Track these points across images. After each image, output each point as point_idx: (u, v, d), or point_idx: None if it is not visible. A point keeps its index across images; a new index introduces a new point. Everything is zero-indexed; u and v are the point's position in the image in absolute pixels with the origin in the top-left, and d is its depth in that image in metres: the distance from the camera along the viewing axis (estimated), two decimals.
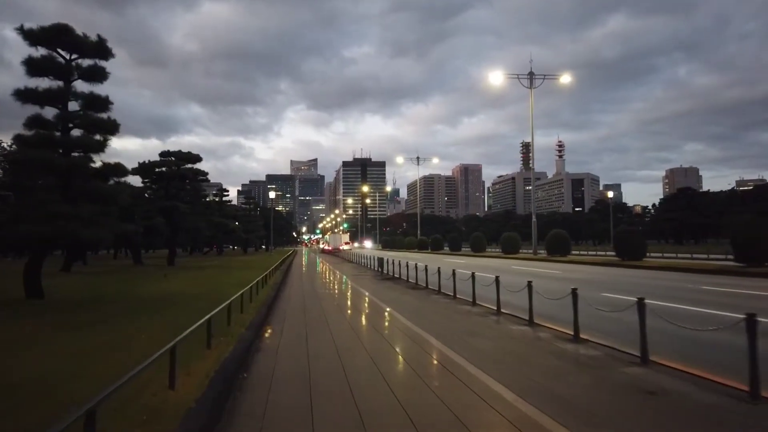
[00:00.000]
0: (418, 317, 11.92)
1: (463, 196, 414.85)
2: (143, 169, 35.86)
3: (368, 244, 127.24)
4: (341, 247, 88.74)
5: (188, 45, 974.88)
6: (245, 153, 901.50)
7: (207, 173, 39.67)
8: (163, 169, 36.10)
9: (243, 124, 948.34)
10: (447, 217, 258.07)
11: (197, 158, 37.67)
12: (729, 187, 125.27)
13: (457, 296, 16.10)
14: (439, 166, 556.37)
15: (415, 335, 9.57)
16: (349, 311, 13.81)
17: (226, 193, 75.22)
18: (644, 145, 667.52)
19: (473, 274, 15.18)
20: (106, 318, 11.33)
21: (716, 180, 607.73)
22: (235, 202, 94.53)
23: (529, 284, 11.04)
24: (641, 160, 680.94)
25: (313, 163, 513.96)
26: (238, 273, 26.62)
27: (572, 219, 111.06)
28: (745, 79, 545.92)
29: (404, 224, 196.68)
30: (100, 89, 15.08)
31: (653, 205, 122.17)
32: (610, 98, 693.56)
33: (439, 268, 19.07)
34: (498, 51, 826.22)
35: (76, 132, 14.57)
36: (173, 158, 36.71)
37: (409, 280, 22.87)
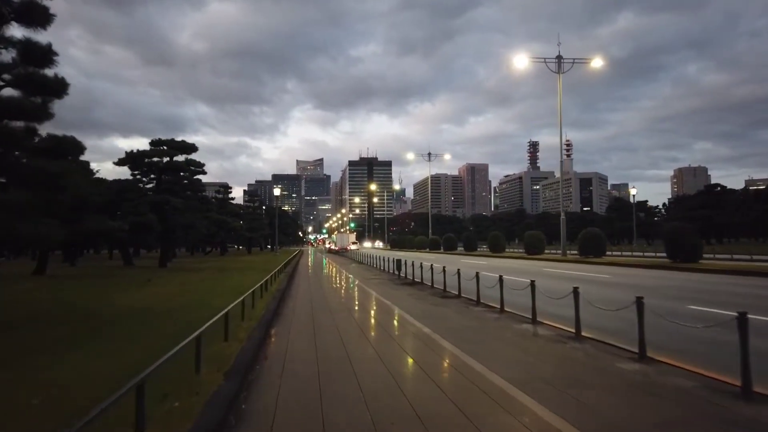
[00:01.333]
0: (472, 345, 8.54)
1: (470, 196, 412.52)
2: (131, 158, 32.15)
3: (379, 243, 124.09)
4: (348, 247, 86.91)
5: (195, 44, 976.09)
6: (251, 153, 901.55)
7: (203, 164, 35.78)
8: (154, 159, 32.59)
9: (249, 124, 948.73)
10: (454, 216, 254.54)
11: (192, 148, 34.23)
12: (740, 187, 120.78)
13: (506, 309, 12.75)
14: (445, 165, 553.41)
15: (486, 384, 6.17)
16: (373, 333, 10.42)
17: (229, 191, 71.92)
18: (652, 144, 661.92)
19: (531, 284, 11.76)
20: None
21: (725, 179, 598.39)
22: (242, 202, 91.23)
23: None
24: (649, 159, 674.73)
25: (319, 162, 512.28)
26: (235, 277, 23.34)
27: (587, 218, 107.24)
28: (755, 76, 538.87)
29: (412, 223, 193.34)
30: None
31: (663, 204, 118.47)
32: (619, 96, 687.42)
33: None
34: (505, 49, 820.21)
35: (7, 92, 11.26)
36: (165, 147, 33.31)
37: (435, 285, 19.55)
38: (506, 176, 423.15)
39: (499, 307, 13.01)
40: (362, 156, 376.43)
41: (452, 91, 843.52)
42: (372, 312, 13.41)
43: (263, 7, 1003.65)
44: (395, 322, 11.40)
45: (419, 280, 22.37)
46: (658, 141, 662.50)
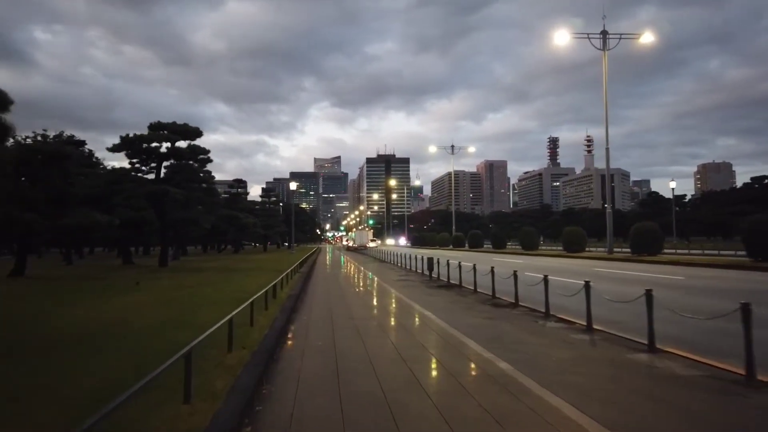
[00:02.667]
0: (604, 407, 5.08)
1: (488, 193, 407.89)
2: (127, 144, 28.12)
3: (402, 241, 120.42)
4: (367, 245, 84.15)
5: (214, 44, 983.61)
6: (269, 151, 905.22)
7: (209, 151, 31.75)
8: (153, 145, 28.65)
9: (267, 122, 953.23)
10: (473, 213, 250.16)
11: (196, 132, 30.10)
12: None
13: (594, 327, 9.35)
14: (466, 161, 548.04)
15: None
16: (427, 374, 6.96)
17: (242, 186, 68.78)
18: (674, 140, 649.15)
19: (646, 295, 8.23)
20: None
21: (750, 175, 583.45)
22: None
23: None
24: (671, 156, 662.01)
25: (337, 160, 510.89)
26: (241, 279, 20.12)
27: (616, 213, 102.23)
28: None
29: (432, 220, 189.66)
30: None
31: (688, 200, 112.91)
32: (640, 92, 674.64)
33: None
34: (523, 46, 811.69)
35: None
36: (165, 131, 29.01)
37: (479, 290, 16.14)
38: (525, 173, 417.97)
39: (584, 324, 9.56)
40: (380, 153, 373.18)
41: (469, 88, 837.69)
42: (413, 330, 9.98)
43: (280, 5, 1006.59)
44: (452, 350, 7.95)
45: (455, 282, 19.02)
46: (680, 137, 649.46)
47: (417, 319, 11.10)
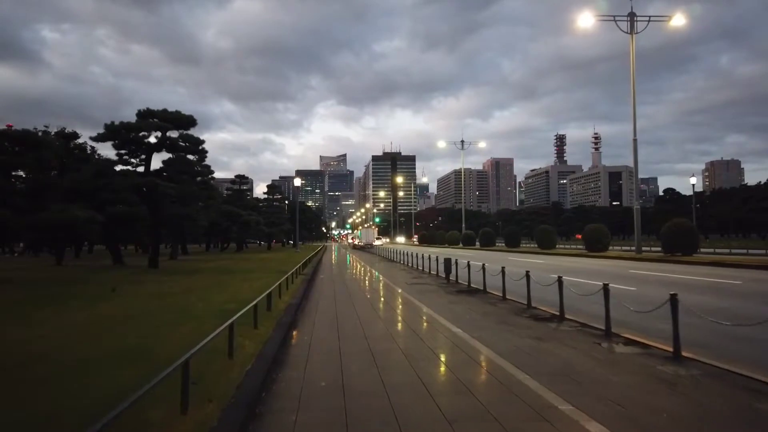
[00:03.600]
0: None
1: (495, 191, 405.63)
2: (113, 132, 24.90)
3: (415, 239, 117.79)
4: (373, 243, 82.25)
5: (221, 42, 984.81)
6: (276, 149, 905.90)
7: (203, 141, 28.79)
8: (141, 134, 25.71)
9: (274, 121, 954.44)
10: (479, 211, 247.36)
11: (190, 121, 27.03)
12: None
13: (685, 353, 7.12)
14: (470, 160, 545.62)
15: None
16: None
17: (245, 182, 66.24)
18: (683, 137, 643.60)
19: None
20: None
21: (759, 173, 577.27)
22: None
23: None
24: (679, 153, 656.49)
25: (343, 158, 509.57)
26: (237, 283, 17.85)
27: (630, 211, 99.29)
28: None
29: (439, 218, 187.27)
30: None
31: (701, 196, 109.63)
32: (648, 89, 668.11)
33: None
34: (531, 42, 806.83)
35: None
36: (156, 119, 25.91)
37: (509, 297, 13.90)
38: (532, 170, 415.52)
39: (667, 348, 7.28)
40: (386, 151, 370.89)
41: (477, 85, 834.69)
42: (448, 359, 7.65)
43: (287, 3, 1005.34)
44: (510, 397, 5.65)
45: (477, 287, 16.76)
46: (689, 134, 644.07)
47: (447, 340, 8.84)
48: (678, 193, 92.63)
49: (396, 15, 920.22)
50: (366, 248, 76.13)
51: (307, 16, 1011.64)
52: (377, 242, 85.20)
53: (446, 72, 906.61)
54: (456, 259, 20.34)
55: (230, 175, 67.67)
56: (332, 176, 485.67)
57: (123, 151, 25.61)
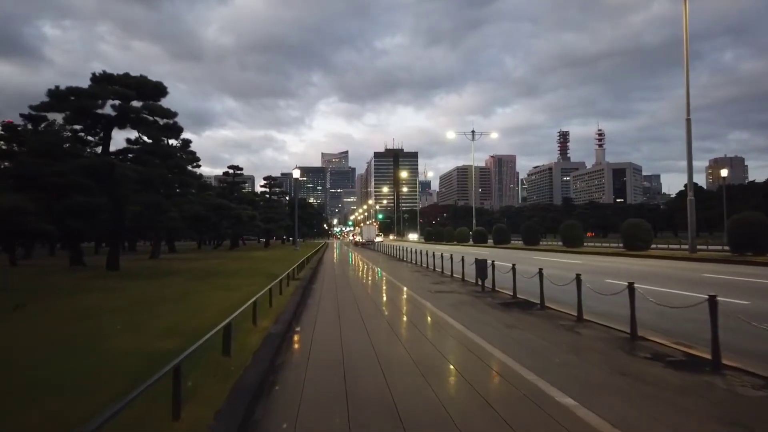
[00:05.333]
0: None
1: (497, 188, 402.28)
2: (57, 99, 19.76)
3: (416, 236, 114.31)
4: (374, 240, 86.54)
5: (222, 38, 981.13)
6: (277, 146, 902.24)
7: (176, 114, 23.06)
8: (99, 103, 20.43)
9: (276, 117, 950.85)
10: (482, 208, 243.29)
11: (159, 89, 22.17)
12: None
13: None
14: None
15: None
16: None
17: (240, 173, 61.24)
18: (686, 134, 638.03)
19: None
20: None
21: (763, 170, 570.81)
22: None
23: None
24: (683, 150, 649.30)
25: (344, 155, 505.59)
26: (208, 294, 13.46)
27: (646, 207, 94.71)
28: None
29: (444, 214, 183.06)
30: None
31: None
32: (652, 86, 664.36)
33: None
34: (534, 39, 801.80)
35: None
36: (117, 86, 20.88)
37: (586, 317, 9.69)
38: (535, 167, 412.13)
39: None
40: (387, 148, 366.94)
41: (479, 82, 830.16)
42: None
43: None
44: None
45: (529, 298, 12.61)
46: (692, 131, 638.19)
47: (552, 421, 4.51)
48: (701, 187, 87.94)
49: (398, 11, 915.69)
50: (367, 245, 76.62)
51: (308, 12, 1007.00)
52: (377, 239, 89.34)
53: (448, 68, 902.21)
54: (492, 261, 16.03)
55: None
56: (334, 173, 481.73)
57: (78, 127, 21.24)
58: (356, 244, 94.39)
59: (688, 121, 26.33)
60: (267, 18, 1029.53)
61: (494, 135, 65.88)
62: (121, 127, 21.38)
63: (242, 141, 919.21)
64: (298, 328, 9.31)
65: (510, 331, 9.04)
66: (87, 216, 19.92)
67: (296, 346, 7.91)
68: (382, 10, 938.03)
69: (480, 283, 15.76)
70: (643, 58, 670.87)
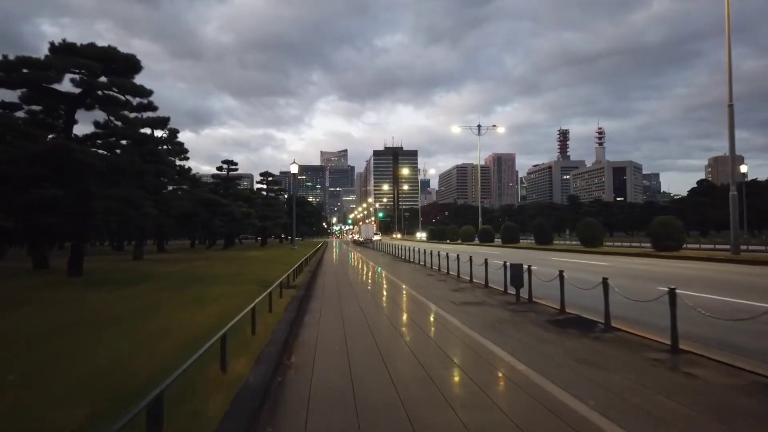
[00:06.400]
0: None
1: (496, 186, 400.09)
2: (7, 71, 16.67)
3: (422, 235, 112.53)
4: (372, 238, 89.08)
5: (222, 37, 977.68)
6: (277, 145, 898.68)
7: (151, 92, 20.09)
8: (55, 76, 17.11)
9: (275, 116, 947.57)
10: (482, 206, 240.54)
11: (130, 62, 18.82)
12: None
13: None
14: (471, 156, 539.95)
15: None
16: None
17: (234, 167, 57.70)
18: (686, 133, 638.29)
19: None
20: None
21: (763, 169, 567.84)
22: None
23: None
24: (682, 149, 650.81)
25: (344, 153, 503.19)
26: (176, 310, 10.59)
27: (657, 205, 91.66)
28: None
29: (445, 212, 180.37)
30: None
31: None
32: (652, 84, 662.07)
33: None
34: (534, 38, 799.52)
35: None
36: (79, 57, 17.58)
37: (686, 349, 6.89)
38: (535, 166, 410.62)
39: None
40: (387, 146, 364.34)
41: (479, 80, 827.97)
42: None
43: None
44: None
45: (576, 312, 9.95)
46: (692, 130, 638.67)
47: None
48: (713, 184, 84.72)
49: (398, 9, 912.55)
50: (366, 243, 78.19)
51: (308, 11, 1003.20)
52: (375, 237, 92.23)
53: (448, 67, 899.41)
54: (529, 266, 13.24)
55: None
56: (333, 172, 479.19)
57: (38, 108, 18.28)
58: (355, 242, 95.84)
59: (731, 107, 23.67)
60: (267, 16, 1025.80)
61: (501, 129, 63.18)
62: (88, 107, 18.43)
63: (242, 139, 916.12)
64: (290, 372, 6.50)
65: (587, 370, 6.26)
66: (44, 211, 16.93)
67: (283, 409, 5.10)
68: (382, 8, 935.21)
69: (515, 292, 12.95)
70: (643, 57, 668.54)
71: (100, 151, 18.22)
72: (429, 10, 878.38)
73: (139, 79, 18.99)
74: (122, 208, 17.41)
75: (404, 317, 10.87)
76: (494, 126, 62.19)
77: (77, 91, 17.95)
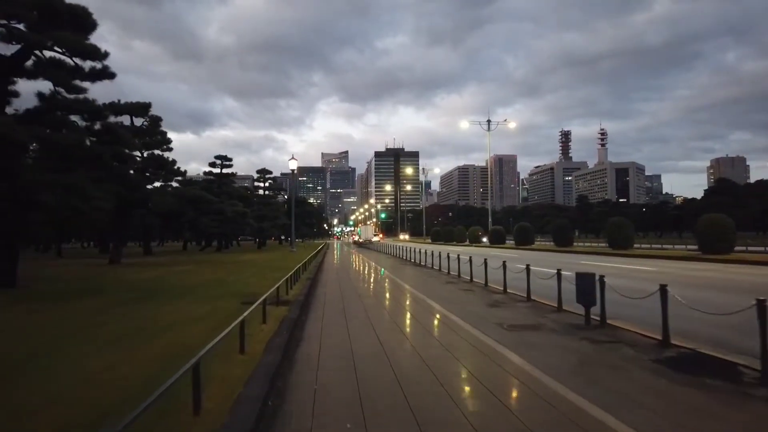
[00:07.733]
0: None
1: (498, 188, 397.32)
2: None
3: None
4: (372, 239, 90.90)
5: (223, 38, 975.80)
6: (278, 146, 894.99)
7: (107, 55, 16.21)
8: None
9: (276, 118, 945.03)
10: (484, 208, 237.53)
11: (82, 19, 15.07)
12: None
13: None
14: (472, 157, 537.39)
15: None
16: None
17: (228, 163, 53.74)
18: (687, 135, 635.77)
19: None
20: None
21: (765, 170, 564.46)
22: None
23: None
24: (683, 150, 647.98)
25: (344, 155, 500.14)
26: (110, 347, 7.28)
27: (668, 204, 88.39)
28: None
29: (449, 213, 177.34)
30: None
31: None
32: (653, 86, 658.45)
33: None
34: (535, 39, 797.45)
35: None
36: (6, 5, 13.37)
37: None
38: (536, 167, 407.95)
39: None
40: (388, 147, 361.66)
41: (480, 82, 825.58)
42: None
43: None
44: None
45: (687, 343, 6.64)
46: (693, 131, 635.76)
47: None
48: (734, 183, 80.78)
49: (399, 11, 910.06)
50: (366, 244, 79.29)
51: (309, 12, 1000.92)
52: (375, 238, 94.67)
53: (449, 69, 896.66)
54: (601, 277, 9.90)
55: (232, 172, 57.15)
56: (334, 173, 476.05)
57: None
58: (355, 242, 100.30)
59: None
60: (268, 18, 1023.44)
61: (512, 124, 59.85)
62: (30, 76, 14.83)
63: (242, 141, 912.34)
64: None
65: None
66: None
67: None
68: (383, 9, 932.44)
69: (585, 314, 9.56)
70: (644, 58, 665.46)
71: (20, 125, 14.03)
72: (430, 12, 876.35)
73: (139, 79, 16.93)
74: (67, 199, 13.85)
75: (441, 351, 7.47)
76: (506, 120, 58.92)
77: (8, 53, 14.24)
